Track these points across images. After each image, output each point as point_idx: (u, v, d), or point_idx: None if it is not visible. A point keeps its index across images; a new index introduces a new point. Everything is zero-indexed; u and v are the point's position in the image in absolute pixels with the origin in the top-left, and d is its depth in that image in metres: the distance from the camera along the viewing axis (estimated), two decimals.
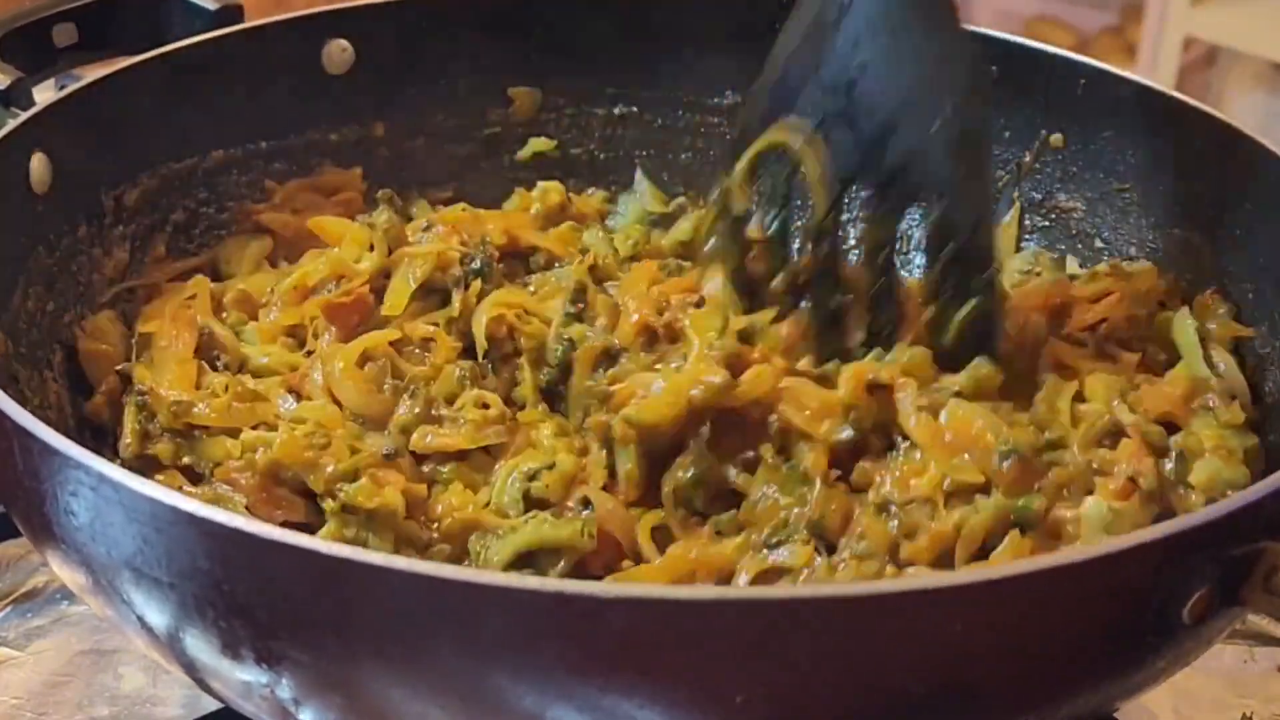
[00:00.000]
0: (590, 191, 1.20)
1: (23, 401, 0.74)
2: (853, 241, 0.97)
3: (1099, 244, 1.11)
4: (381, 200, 1.09)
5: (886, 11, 0.91)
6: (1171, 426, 0.92)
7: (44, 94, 1.04)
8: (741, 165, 0.97)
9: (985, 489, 0.85)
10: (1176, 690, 0.94)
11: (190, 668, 0.74)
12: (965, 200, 0.93)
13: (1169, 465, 0.89)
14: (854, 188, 0.95)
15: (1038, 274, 1.09)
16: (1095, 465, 0.88)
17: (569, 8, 1.18)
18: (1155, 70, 2.87)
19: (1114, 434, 0.90)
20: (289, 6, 1.17)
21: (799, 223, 0.97)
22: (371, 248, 1.04)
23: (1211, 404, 0.93)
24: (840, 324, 0.96)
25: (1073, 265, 1.11)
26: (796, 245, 0.97)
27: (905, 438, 0.89)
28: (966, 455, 0.86)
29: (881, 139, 0.92)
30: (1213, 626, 0.71)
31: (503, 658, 0.64)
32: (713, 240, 1.00)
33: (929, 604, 0.63)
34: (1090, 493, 0.86)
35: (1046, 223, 1.14)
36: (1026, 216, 1.14)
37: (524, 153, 1.21)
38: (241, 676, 0.71)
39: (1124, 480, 0.87)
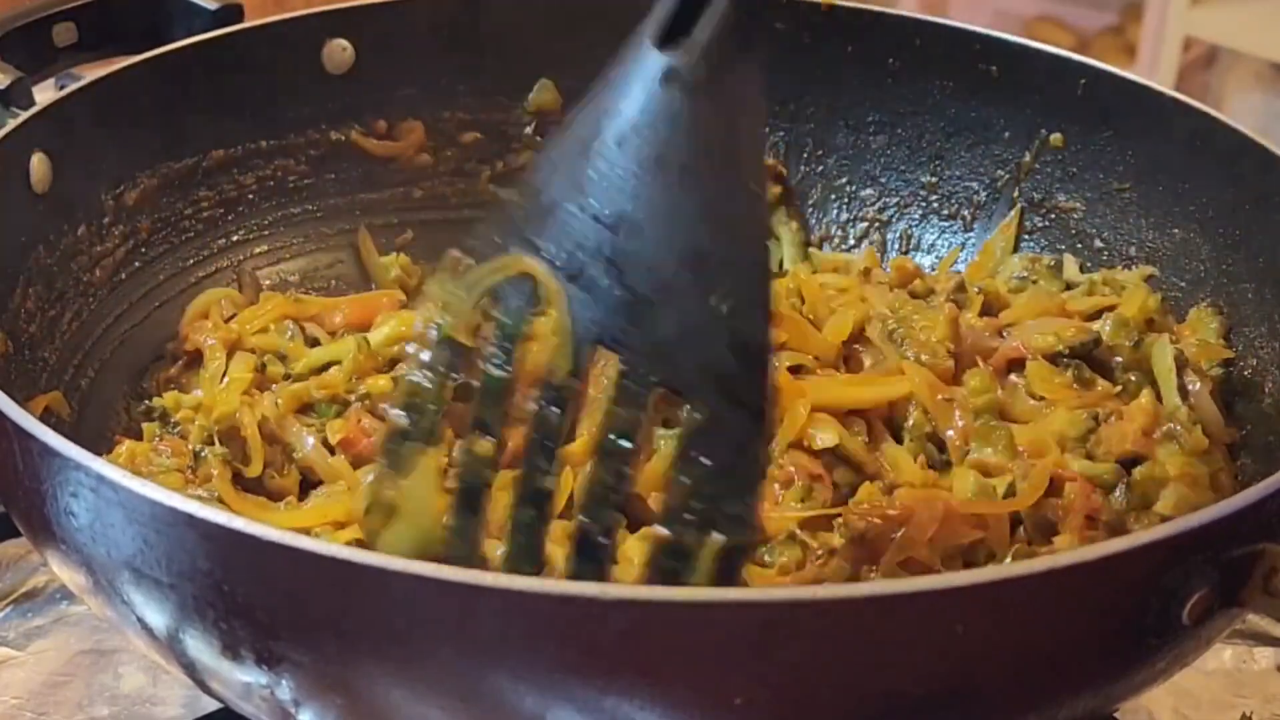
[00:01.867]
0: None
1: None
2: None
3: (1099, 244, 1.11)
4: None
5: (662, 155, 0.69)
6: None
7: (44, 94, 1.04)
8: (477, 292, 0.73)
9: None
10: (1176, 690, 0.94)
11: (190, 668, 0.74)
12: (731, 417, 0.69)
13: (1119, 497, 0.91)
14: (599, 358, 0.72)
15: (1034, 281, 1.10)
16: (1049, 515, 0.90)
17: (569, 8, 1.19)
18: (1155, 70, 2.87)
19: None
20: (289, 6, 1.17)
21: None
22: None
23: (1176, 432, 0.94)
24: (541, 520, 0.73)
25: (1071, 266, 1.11)
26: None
27: None
28: None
29: (647, 308, 0.69)
30: (1212, 627, 0.71)
31: (503, 659, 0.64)
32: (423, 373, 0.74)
33: (929, 605, 0.63)
34: (1056, 533, 0.89)
35: (1046, 223, 1.14)
36: (1026, 217, 1.15)
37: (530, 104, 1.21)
38: (241, 677, 0.71)
39: (1083, 518, 0.89)
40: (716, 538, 0.69)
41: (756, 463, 0.71)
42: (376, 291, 1.14)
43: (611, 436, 0.70)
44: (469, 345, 0.73)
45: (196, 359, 1.05)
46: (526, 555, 0.72)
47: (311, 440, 0.96)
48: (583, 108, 0.71)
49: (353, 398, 0.99)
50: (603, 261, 0.68)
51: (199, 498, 0.89)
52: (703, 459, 0.68)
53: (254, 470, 0.95)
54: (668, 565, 0.69)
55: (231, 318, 1.08)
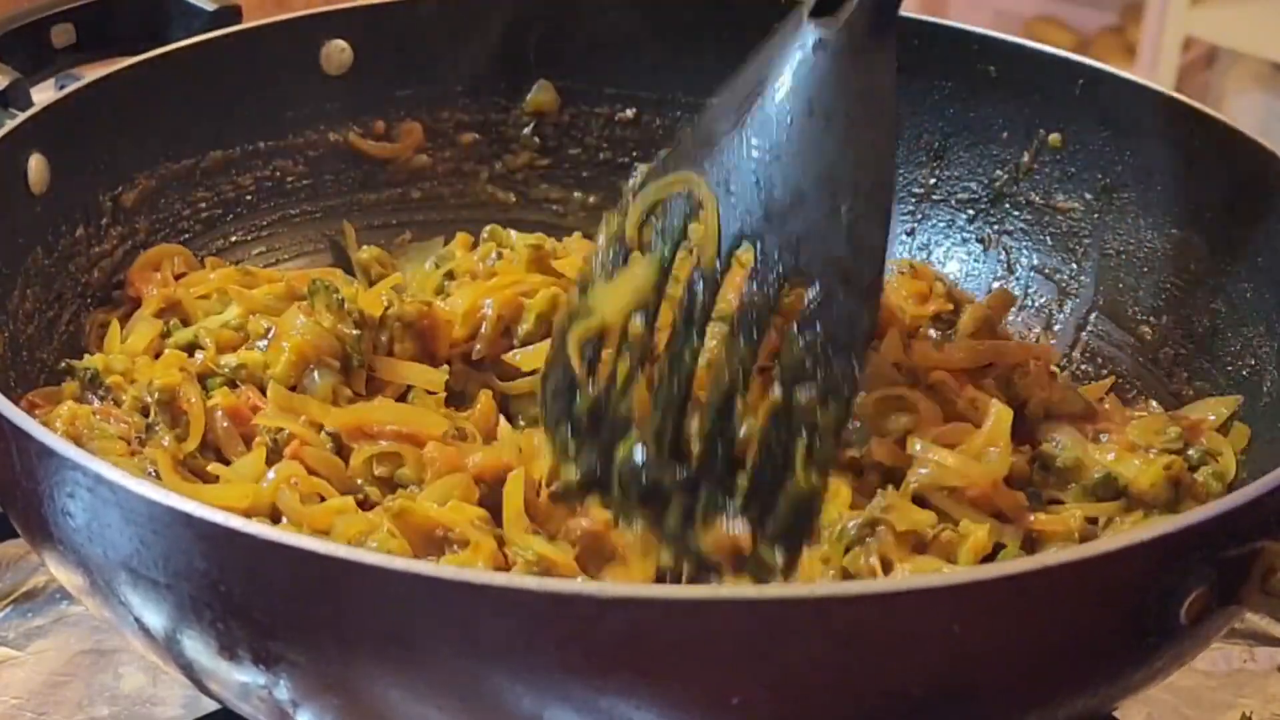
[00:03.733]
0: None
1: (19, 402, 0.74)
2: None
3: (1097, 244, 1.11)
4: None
5: (812, 103, 0.83)
6: None
7: (43, 94, 1.04)
8: (647, 202, 0.86)
9: None
10: (1176, 690, 0.94)
11: (188, 669, 0.74)
12: (843, 294, 0.81)
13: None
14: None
15: None
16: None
17: (568, 9, 1.19)
18: (1155, 70, 2.87)
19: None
20: (289, 6, 1.17)
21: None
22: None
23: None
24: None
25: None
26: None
27: None
28: None
29: (783, 212, 0.82)
30: (1210, 626, 0.72)
31: (501, 658, 0.64)
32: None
33: (926, 604, 0.63)
34: None
35: (1046, 223, 1.14)
36: (1025, 217, 1.14)
37: (527, 105, 1.21)
38: (239, 678, 0.71)
39: None
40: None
41: (860, 331, 0.83)
42: (319, 269, 1.11)
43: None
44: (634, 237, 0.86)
45: (136, 308, 1.04)
46: (662, 442, 0.83)
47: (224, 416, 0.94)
48: (745, 68, 0.86)
49: (226, 370, 0.97)
50: (752, 176, 0.83)
51: (140, 469, 0.88)
52: (817, 326, 0.80)
53: (190, 446, 0.92)
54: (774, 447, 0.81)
55: (181, 276, 1.06)
